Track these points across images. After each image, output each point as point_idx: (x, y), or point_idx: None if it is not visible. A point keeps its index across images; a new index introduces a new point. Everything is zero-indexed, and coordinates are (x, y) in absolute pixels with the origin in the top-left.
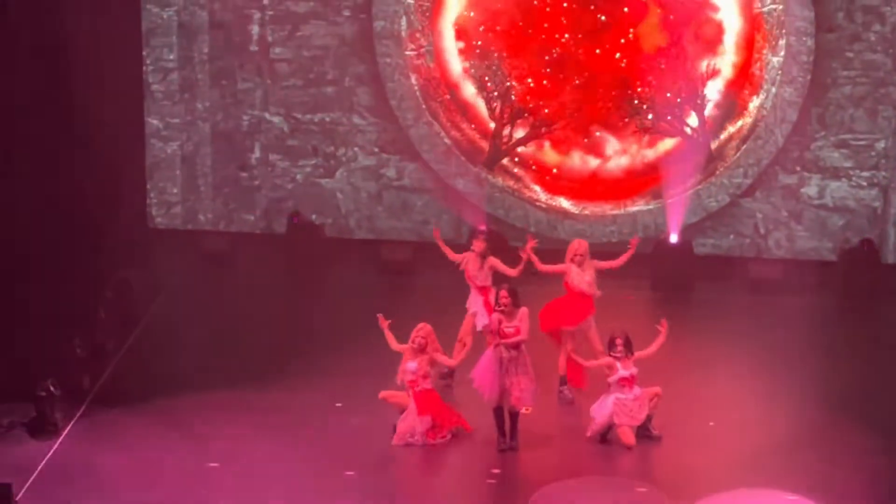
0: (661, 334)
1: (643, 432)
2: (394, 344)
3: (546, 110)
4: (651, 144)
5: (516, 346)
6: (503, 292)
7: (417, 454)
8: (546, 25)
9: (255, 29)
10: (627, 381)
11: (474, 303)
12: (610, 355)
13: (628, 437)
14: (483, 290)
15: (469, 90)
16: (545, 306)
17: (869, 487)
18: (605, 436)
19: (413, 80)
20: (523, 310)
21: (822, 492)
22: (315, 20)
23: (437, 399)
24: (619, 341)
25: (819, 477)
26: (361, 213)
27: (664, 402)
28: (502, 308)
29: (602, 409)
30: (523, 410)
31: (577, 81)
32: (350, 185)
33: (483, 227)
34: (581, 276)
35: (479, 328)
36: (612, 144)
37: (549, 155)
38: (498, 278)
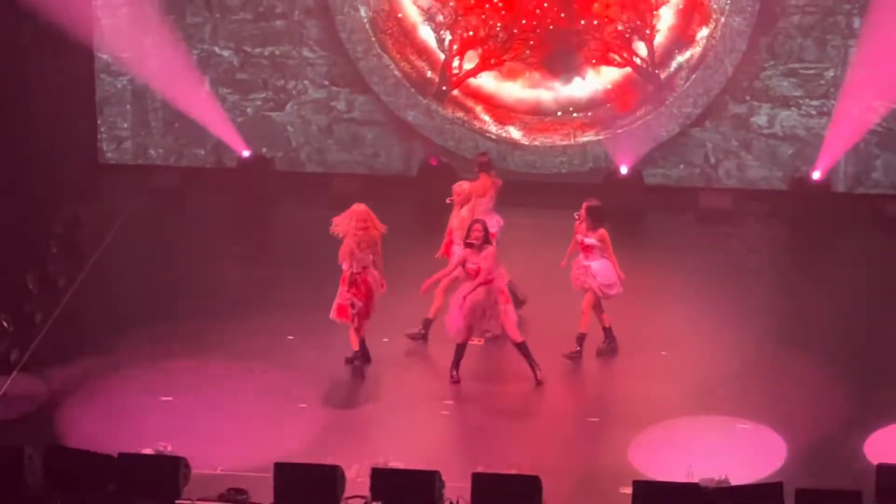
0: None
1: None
2: None
3: (492, 42)
4: (599, 75)
5: (484, 285)
6: (476, 225)
7: (370, 386)
8: None
9: None
10: (585, 248)
11: None
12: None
13: (586, 303)
14: None
15: (420, 22)
16: None
17: (819, 416)
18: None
19: (363, 12)
20: (489, 249)
21: (773, 420)
22: None
23: (361, 283)
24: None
25: (770, 406)
26: (312, 146)
27: (617, 330)
28: (472, 242)
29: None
30: (478, 341)
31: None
32: (300, 119)
33: (434, 161)
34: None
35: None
36: (562, 74)
37: (499, 86)
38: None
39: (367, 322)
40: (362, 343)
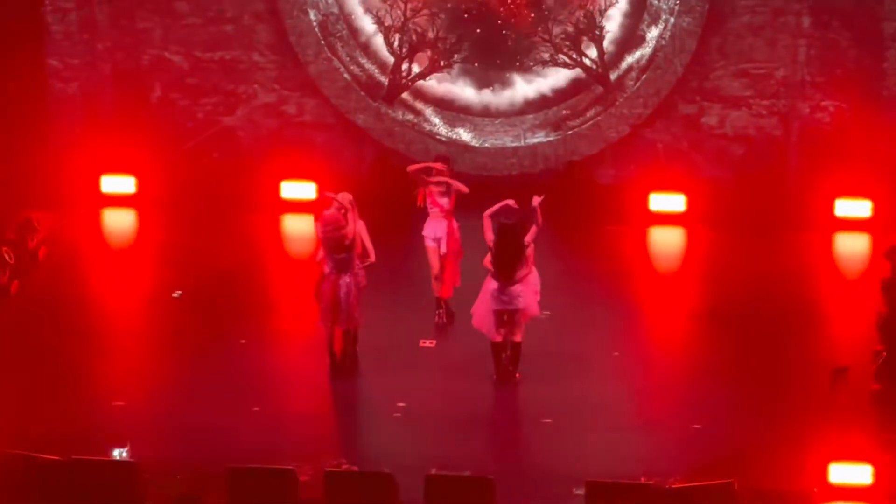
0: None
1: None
2: None
3: (441, 44)
4: (550, 76)
5: None
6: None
7: (323, 389)
8: None
9: None
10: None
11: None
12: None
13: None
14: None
15: (368, 25)
16: None
17: (771, 415)
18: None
19: (312, 15)
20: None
21: (725, 419)
22: None
23: (328, 288)
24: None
25: (722, 405)
26: (262, 150)
27: (570, 331)
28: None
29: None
30: (430, 343)
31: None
32: (251, 123)
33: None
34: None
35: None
36: (511, 77)
37: (449, 88)
38: None
39: (343, 323)
40: (337, 349)
